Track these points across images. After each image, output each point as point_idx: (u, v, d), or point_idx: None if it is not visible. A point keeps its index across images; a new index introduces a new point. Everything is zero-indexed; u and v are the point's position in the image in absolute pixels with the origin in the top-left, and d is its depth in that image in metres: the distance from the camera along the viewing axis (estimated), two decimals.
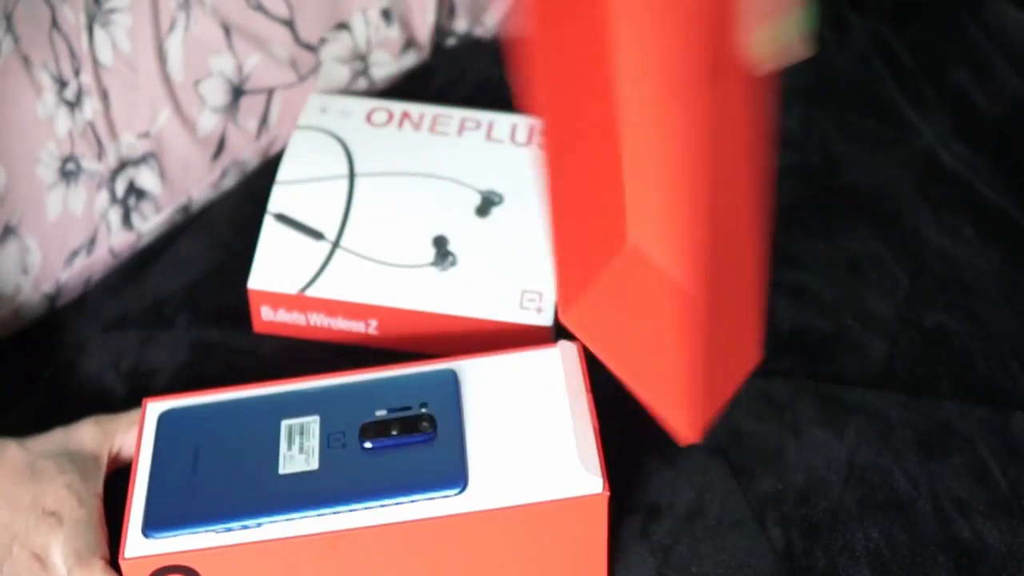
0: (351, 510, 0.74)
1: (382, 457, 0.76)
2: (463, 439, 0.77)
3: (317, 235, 0.92)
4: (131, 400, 0.90)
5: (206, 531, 0.73)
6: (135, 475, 0.77)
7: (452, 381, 0.79)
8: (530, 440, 0.77)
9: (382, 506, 0.74)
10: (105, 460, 0.82)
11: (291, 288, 0.91)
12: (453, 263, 0.91)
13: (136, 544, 0.73)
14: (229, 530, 0.73)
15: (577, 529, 0.77)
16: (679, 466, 0.86)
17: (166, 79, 0.98)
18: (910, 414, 0.89)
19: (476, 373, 0.80)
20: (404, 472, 0.75)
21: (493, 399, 0.79)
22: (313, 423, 0.77)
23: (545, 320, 0.89)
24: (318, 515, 0.74)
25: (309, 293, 0.90)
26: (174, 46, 0.98)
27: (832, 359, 0.93)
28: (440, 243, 0.92)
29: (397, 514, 0.74)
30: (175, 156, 0.99)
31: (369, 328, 0.91)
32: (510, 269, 0.91)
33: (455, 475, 0.75)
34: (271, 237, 0.93)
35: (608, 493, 0.75)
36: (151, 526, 0.74)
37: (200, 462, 0.76)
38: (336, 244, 0.92)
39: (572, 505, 0.75)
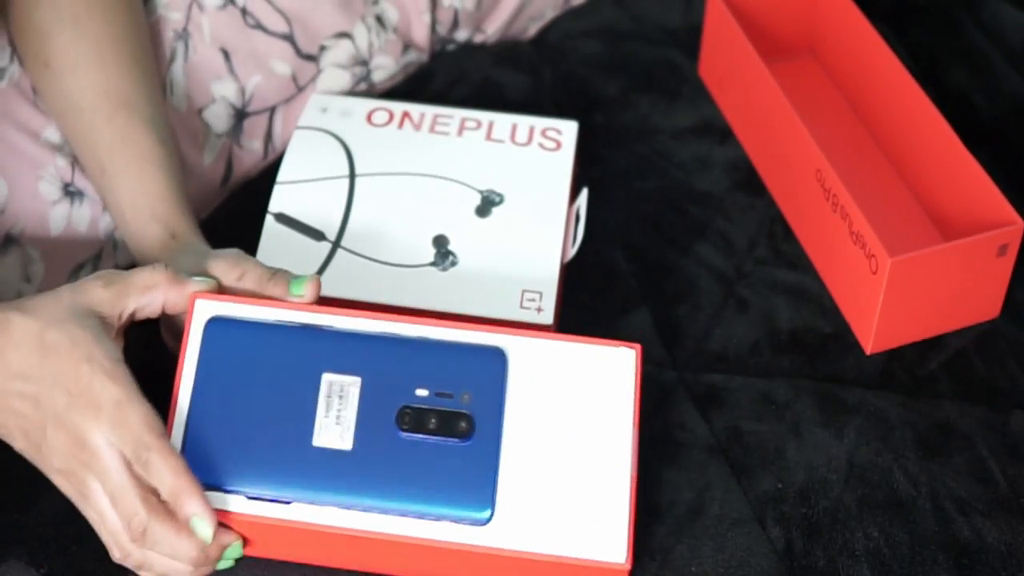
0: (377, 510, 0.74)
1: (414, 453, 0.75)
2: (498, 451, 0.75)
3: (318, 235, 0.92)
4: None
5: (238, 493, 0.74)
6: (175, 407, 0.76)
7: (500, 366, 0.77)
8: (566, 470, 0.75)
9: (406, 515, 0.74)
10: (117, 323, 0.78)
11: None
12: (453, 263, 0.91)
13: None
14: (260, 498, 0.74)
15: None
16: (679, 466, 0.86)
17: (171, 111, 0.98)
18: (910, 414, 0.90)
19: (526, 359, 0.78)
20: (435, 478, 0.74)
21: (536, 403, 0.77)
22: (353, 387, 0.76)
23: (545, 319, 0.89)
24: (344, 505, 0.74)
25: None
26: (177, 77, 0.98)
27: (832, 359, 0.93)
28: (440, 243, 0.92)
29: (420, 531, 0.74)
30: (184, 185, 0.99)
31: None
32: (510, 269, 0.91)
33: (484, 497, 0.74)
34: (271, 237, 0.93)
35: (630, 566, 0.74)
36: None
37: (239, 400, 0.76)
38: (336, 244, 0.92)
39: (592, 569, 0.74)
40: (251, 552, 0.79)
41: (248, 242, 0.93)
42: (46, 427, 0.74)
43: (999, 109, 1.09)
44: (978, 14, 1.10)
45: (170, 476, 0.72)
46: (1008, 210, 0.90)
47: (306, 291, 0.79)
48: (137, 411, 0.73)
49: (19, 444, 0.76)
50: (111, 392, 0.73)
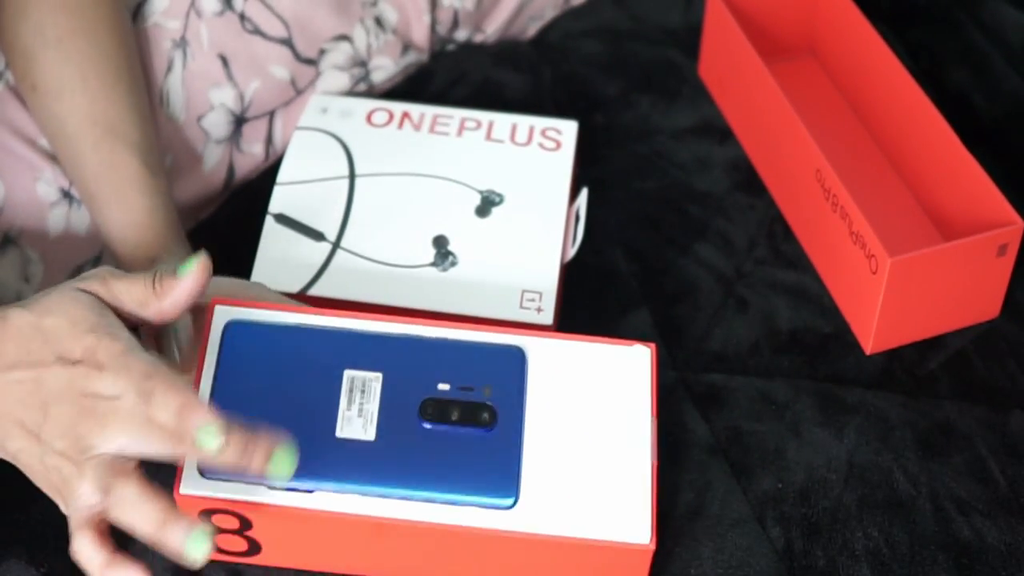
0: (401, 498, 0.74)
1: (438, 442, 0.75)
2: (520, 439, 0.76)
3: (317, 235, 0.93)
4: None
5: (259, 483, 0.74)
6: None
7: (520, 363, 0.78)
8: (587, 457, 0.76)
9: (432, 502, 0.74)
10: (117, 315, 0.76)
11: (292, 288, 0.91)
12: (453, 263, 0.91)
13: (192, 481, 0.74)
14: (283, 488, 0.74)
15: (618, 570, 0.76)
16: (679, 466, 0.86)
17: (169, 121, 0.98)
18: (909, 414, 0.90)
19: (544, 357, 0.78)
20: (458, 466, 0.75)
21: (556, 396, 0.78)
22: (375, 382, 0.77)
23: (545, 320, 0.89)
24: (369, 494, 0.74)
25: (310, 293, 0.90)
26: (174, 86, 0.98)
27: (832, 359, 0.93)
28: (440, 243, 0.92)
29: (446, 516, 0.74)
30: (186, 192, 0.99)
31: None
32: (510, 269, 0.91)
33: (508, 484, 0.74)
34: (271, 237, 0.93)
35: (654, 547, 0.74)
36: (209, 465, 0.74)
37: (260, 399, 0.76)
38: (336, 244, 0.92)
39: (616, 550, 0.74)
40: (267, 561, 0.79)
41: (248, 243, 0.93)
42: (48, 406, 0.72)
43: (999, 109, 1.09)
44: (978, 14, 1.10)
45: (175, 395, 0.69)
46: (1008, 210, 0.90)
47: (192, 269, 0.76)
48: (140, 357, 0.71)
49: (15, 444, 0.73)
50: (112, 348, 0.71)
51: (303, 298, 0.90)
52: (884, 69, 1.02)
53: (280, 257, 0.92)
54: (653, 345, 0.79)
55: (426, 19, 1.09)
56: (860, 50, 1.05)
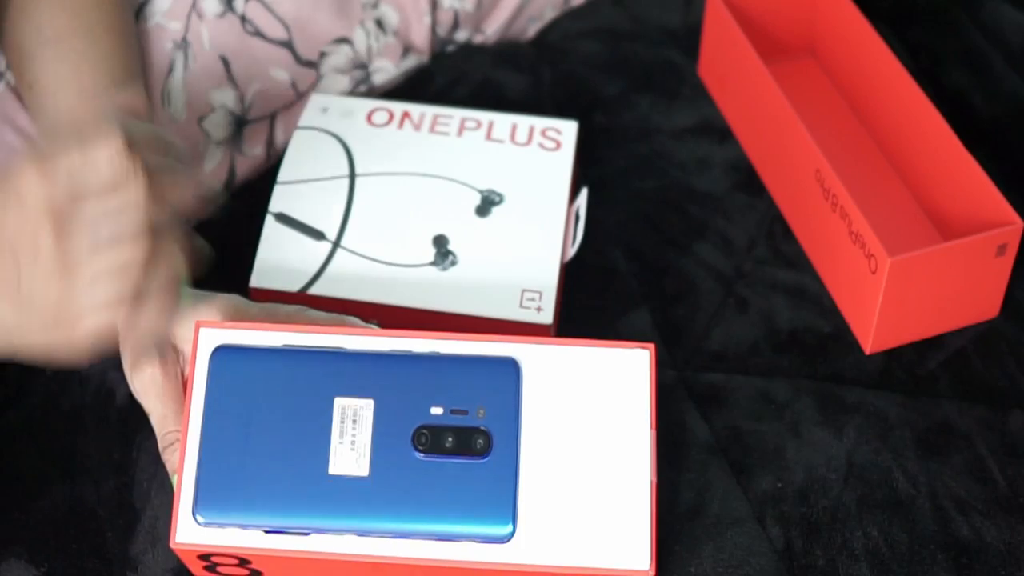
0: (397, 535, 0.73)
1: (432, 474, 0.74)
2: (516, 466, 0.75)
3: (318, 235, 0.93)
4: (132, 400, 0.90)
5: (255, 526, 0.73)
6: (185, 442, 0.75)
7: (514, 378, 0.76)
8: (585, 479, 0.75)
9: (427, 537, 0.73)
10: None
11: (292, 287, 0.91)
12: (453, 262, 0.91)
13: (186, 531, 0.73)
14: (278, 531, 0.74)
15: None
16: (679, 466, 0.86)
17: (169, 122, 0.98)
18: (909, 413, 0.90)
19: (539, 366, 0.77)
20: (454, 499, 0.74)
21: (552, 412, 0.76)
22: (366, 410, 0.75)
23: (545, 319, 0.89)
24: (365, 533, 0.73)
25: (310, 292, 0.91)
26: (175, 87, 0.98)
27: (831, 359, 0.93)
28: (440, 242, 0.92)
29: (444, 553, 0.73)
30: None
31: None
32: (510, 268, 0.91)
33: (504, 515, 0.73)
34: (271, 237, 0.93)
35: (654, 572, 0.73)
36: (202, 508, 0.73)
37: (251, 432, 0.75)
38: (336, 244, 0.92)
39: None
40: None
41: (248, 242, 0.93)
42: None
43: (999, 109, 1.09)
44: (978, 14, 1.10)
45: None
46: (1007, 210, 0.91)
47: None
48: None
49: None
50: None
51: (303, 298, 0.90)
52: (884, 69, 1.02)
53: (280, 256, 0.92)
54: (652, 345, 0.78)
55: (426, 20, 1.09)
56: (860, 50, 1.05)
